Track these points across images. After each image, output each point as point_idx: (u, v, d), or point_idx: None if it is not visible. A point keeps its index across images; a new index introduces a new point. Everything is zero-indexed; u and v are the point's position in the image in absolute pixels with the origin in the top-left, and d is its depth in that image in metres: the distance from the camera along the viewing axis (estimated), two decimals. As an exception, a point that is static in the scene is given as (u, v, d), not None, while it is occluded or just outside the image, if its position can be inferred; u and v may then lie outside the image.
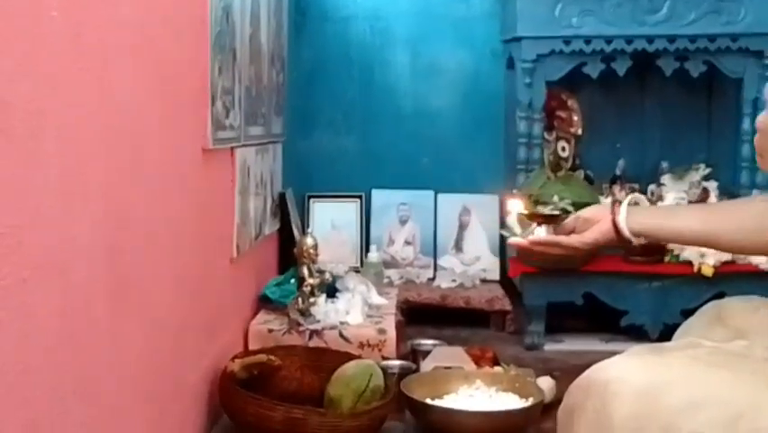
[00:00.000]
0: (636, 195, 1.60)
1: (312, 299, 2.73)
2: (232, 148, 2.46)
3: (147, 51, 1.70)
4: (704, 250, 3.14)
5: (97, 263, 1.44)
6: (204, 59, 2.12)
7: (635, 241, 1.58)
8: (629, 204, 1.59)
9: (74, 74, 1.33)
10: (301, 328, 2.64)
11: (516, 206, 1.67)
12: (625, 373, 1.31)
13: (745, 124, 3.34)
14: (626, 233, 1.58)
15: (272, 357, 2.29)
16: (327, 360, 2.41)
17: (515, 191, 3.38)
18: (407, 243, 3.80)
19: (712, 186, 3.36)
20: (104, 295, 1.47)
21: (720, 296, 1.71)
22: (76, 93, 1.34)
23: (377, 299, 2.93)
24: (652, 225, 1.57)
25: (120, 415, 1.56)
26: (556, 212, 1.62)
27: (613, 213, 1.59)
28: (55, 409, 1.27)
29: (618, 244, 1.59)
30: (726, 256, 3.14)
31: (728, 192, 3.41)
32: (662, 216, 1.60)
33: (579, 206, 3.14)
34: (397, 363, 2.61)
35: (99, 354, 1.45)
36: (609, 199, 3.45)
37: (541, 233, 1.63)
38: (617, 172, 3.54)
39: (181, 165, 1.98)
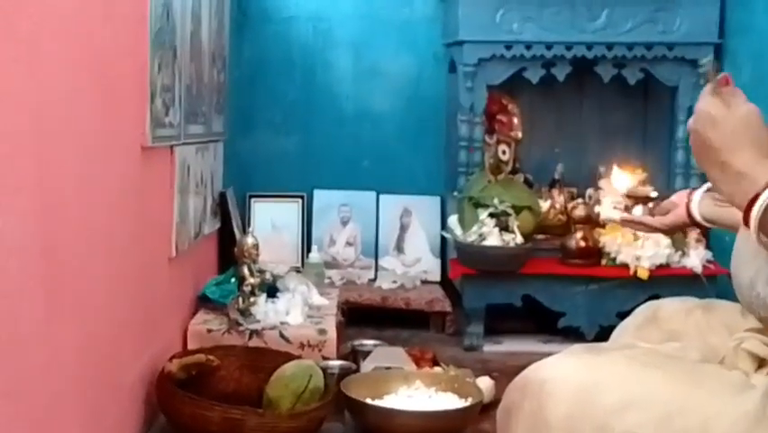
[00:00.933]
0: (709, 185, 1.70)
1: (252, 299, 2.71)
2: (171, 146, 2.43)
3: (83, 44, 1.67)
4: (640, 253, 3.21)
5: (30, 261, 1.41)
6: (143, 55, 2.09)
7: (705, 225, 1.72)
8: (704, 192, 1.70)
9: (4, 64, 1.30)
10: (241, 328, 2.62)
11: (623, 182, 1.81)
12: (560, 373, 1.32)
13: (680, 132, 3.42)
14: (697, 217, 1.71)
15: (211, 357, 2.27)
16: (267, 360, 2.39)
17: (456, 194, 3.41)
18: (349, 243, 3.80)
19: (648, 190, 3.42)
20: (37, 292, 1.44)
21: (655, 298, 1.74)
22: (5, 84, 1.31)
23: (317, 299, 2.93)
24: (720, 212, 1.65)
25: (53, 416, 1.53)
26: (655, 194, 1.76)
27: (688, 199, 1.71)
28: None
29: (691, 226, 1.75)
30: (661, 260, 3.21)
31: (664, 197, 3.48)
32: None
33: (518, 209, 3.25)
34: (338, 363, 2.60)
35: (31, 354, 1.42)
36: (548, 203, 3.51)
37: (638, 211, 1.76)
38: (556, 176, 3.59)
39: (119, 162, 1.95)
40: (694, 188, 1.75)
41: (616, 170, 1.84)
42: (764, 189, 1.10)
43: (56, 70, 1.52)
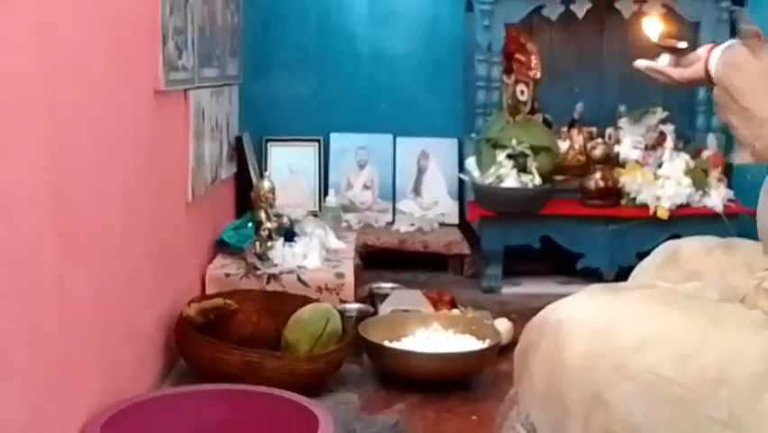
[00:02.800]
0: (734, 42, 1.56)
1: (269, 244, 2.71)
2: (185, 90, 2.41)
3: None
4: (660, 193, 3.17)
5: (42, 207, 1.40)
6: (154, -3, 2.06)
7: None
8: (725, 47, 1.52)
9: (11, 10, 1.28)
10: (258, 273, 2.63)
11: (655, 29, 1.69)
12: (578, 313, 1.31)
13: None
14: (713, 73, 1.50)
15: (228, 301, 2.28)
16: (284, 304, 2.40)
17: (474, 135, 3.38)
18: (366, 187, 3.78)
19: (669, 129, 3.38)
20: (50, 239, 1.44)
21: (676, 238, 1.71)
22: (13, 30, 1.29)
23: (335, 243, 2.93)
24: None
25: (70, 362, 1.54)
26: (684, 45, 1.63)
27: (707, 54, 1.53)
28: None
29: (708, 83, 1.55)
30: (682, 199, 3.18)
31: (685, 136, 3.43)
32: None
33: (536, 149, 3.21)
34: (356, 306, 2.61)
35: (47, 301, 1.42)
36: (567, 143, 3.46)
37: (664, 60, 1.64)
38: (575, 116, 3.54)
39: (132, 107, 1.93)
40: (717, 44, 1.62)
41: (646, 19, 1.77)
42: None
43: (65, 15, 1.49)
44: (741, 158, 1.46)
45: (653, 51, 1.64)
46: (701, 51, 1.59)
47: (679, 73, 1.61)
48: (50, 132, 1.43)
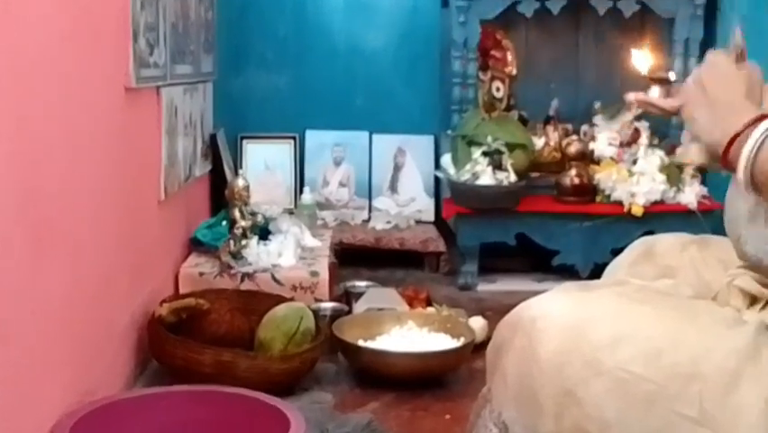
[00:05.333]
0: None
1: (244, 242, 2.69)
2: (157, 87, 2.38)
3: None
4: (634, 189, 3.18)
5: (10, 204, 1.38)
6: (124, -8, 2.04)
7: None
8: None
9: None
10: (233, 271, 2.61)
11: (644, 62, 1.70)
12: (551, 310, 1.31)
13: (677, 65, 3.36)
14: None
15: (201, 301, 2.26)
16: (258, 303, 2.38)
17: (449, 132, 3.37)
18: (342, 184, 3.77)
19: (643, 126, 3.39)
20: (19, 236, 1.41)
21: (650, 234, 1.72)
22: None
23: (310, 240, 2.91)
24: None
25: (43, 361, 1.52)
26: (673, 76, 1.65)
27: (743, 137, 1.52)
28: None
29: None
30: (656, 196, 3.19)
31: (659, 133, 3.44)
32: None
33: (512, 146, 3.21)
34: (330, 305, 2.59)
35: (17, 300, 1.40)
36: (543, 140, 3.47)
37: (654, 93, 1.67)
38: (551, 113, 3.53)
39: (102, 104, 1.91)
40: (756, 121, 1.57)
41: (635, 52, 1.78)
42: (744, 129, 1.12)
43: (32, 11, 1.47)
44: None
45: (644, 84, 1.67)
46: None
47: (669, 104, 1.63)
48: (16, 129, 1.41)
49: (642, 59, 1.71)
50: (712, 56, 1.24)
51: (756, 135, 1.13)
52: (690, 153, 1.62)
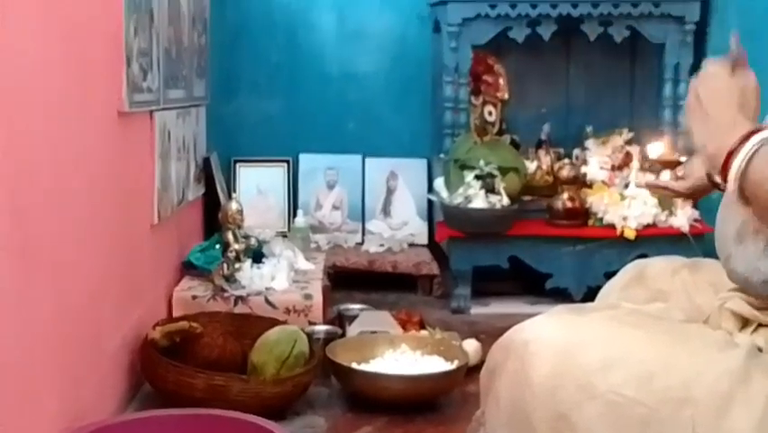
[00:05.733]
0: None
1: (237, 265, 2.69)
2: (150, 111, 2.39)
3: (53, 8, 1.63)
4: (626, 213, 3.19)
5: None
6: (117, 19, 2.05)
7: (723, 187, 1.52)
8: None
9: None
10: (226, 295, 2.61)
11: (656, 149, 1.75)
12: (543, 333, 1.31)
13: (667, 90, 3.39)
14: (717, 179, 1.52)
15: (194, 324, 2.25)
16: (251, 326, 2.38)
17: (442, 156, 3.38)
18: (335, 207, 3.77)
19: (635, 150, 3.40)
20: (8, 261, 1.41)
21: (643, 258, 1.72)
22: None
23: (303, 264, 2.91)
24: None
25: (30, 385, 1.51)
26: (683, 159, 1.70)
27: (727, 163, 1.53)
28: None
29: (713, 188, 1.50)
30: (648, 219, 3.20)
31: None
32: None
33: (504, 170, 3.22)
34: (324, 328, 2.59)
35: (3, 324, 1.39)
36: (535, 164, 3.48)
37: (665, 176, 1.71)
38: (543, 137, 3.55)
39: (95, 129, 1.91)
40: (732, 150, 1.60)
41: (654, 143, 1.84)
42: (737, 146, 1.14)
43: (25, 36, 1.48)
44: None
45: (655, 168, 1.72)
46: (697, 163, 1.62)
47: (681, 185, 1.67)
48: (7, 151, 1.41)
49: (654, 147, 1.76)
50: (708, 65, 1.25)
51: (747, 148, 1.14)
52: (694, 166, 1.65)
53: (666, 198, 1.75)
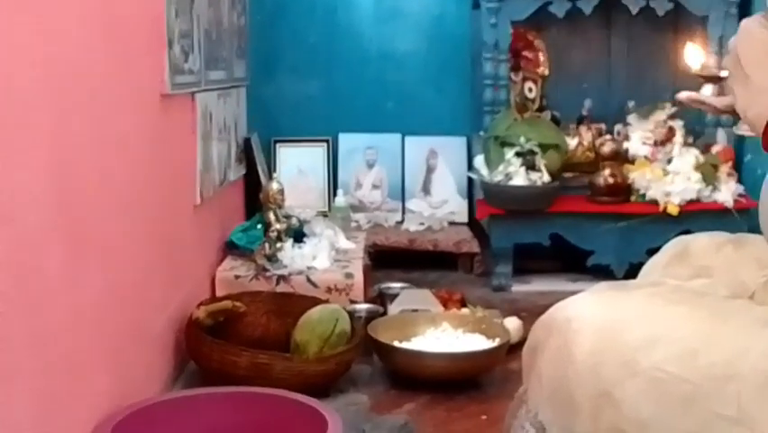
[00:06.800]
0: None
1: (279, 245, 2.71)
2: (192, 93, 2.41)
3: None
4: (669, 189, 3.15)
5: (47, 210, 1.40)
6: (159, 1, 2.06)
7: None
8: None
9: (12, 15, 1.28)
10: (268, 274, 2.63)
11: (696, 58, 1.68)
12: (586, 311, 1.31)
13: (711, 63, 3.32)
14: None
15: (237, 303, 2.28)
16: (293, 305, 2.40)
17: (482, 133, 3.37)
18: (375, 186, 3.78)
19: (678, 125, 3.36)
20: (56, 242, 1.44)
21: (686, 234, 1.70)
22: (15, 37, 1.29)
23: (344, 243, 2.93)
24: None
25: (79, 365, 1.54)
26: (725, 74, 1.64)
27: None
28: (4, 363, 1.24)
29: None
30: (692, 195, 3.16)
31: (694, 131, 3.42)
32: None
33: (545, 147, 3.20)
34: (365, 306, 2.61)
35: (53, 304, 1.42)
36: (576, 140, 3.45)
37: (706, 90, 1.66)
38: (584, 113, 3.52)
39: (138, 110, 1.93)
40: None
41: (689, 45, 1.75)
42: None
43: (68, 20, 1.50)
44: (742, 129, 1.44)
45: (696, 81, 1.65)
46: None
47: (721, 101, 1.62)
48: (54, 135, 1.43)
49: (694, 55, 1.69)
50: (746, 23, 1.22)
51: None
52: (742, 127, 1.60)
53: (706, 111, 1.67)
